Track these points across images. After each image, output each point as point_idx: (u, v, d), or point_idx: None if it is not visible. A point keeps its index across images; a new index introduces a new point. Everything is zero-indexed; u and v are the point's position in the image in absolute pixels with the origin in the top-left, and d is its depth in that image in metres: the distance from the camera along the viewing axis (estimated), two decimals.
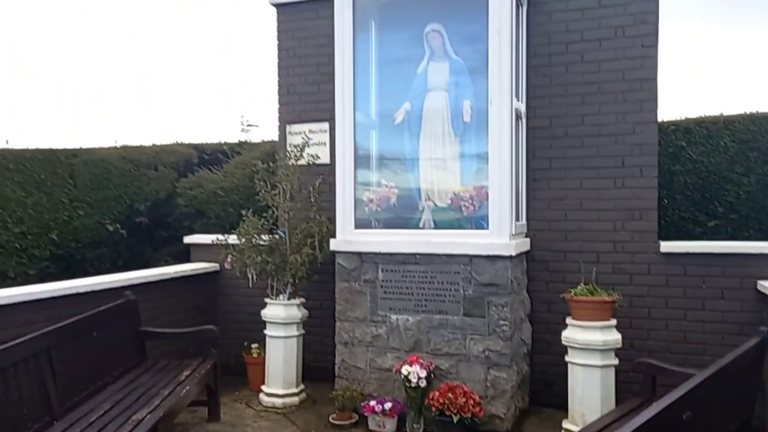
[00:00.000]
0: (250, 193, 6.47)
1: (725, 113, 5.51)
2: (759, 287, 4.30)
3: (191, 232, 6.75)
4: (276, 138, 7.25)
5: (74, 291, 4.51)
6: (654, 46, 4.59)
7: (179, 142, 7.73)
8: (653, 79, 4.60)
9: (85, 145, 7.39)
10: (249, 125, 8.64)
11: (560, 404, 4.49)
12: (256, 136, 8.04)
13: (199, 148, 7.63)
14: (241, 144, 7.68)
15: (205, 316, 5.80)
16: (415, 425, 4.30)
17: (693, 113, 5.68)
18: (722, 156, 5.30)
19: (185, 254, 6.56)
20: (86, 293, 4.59)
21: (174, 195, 7.05)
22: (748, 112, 5.42)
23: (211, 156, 7.55)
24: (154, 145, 7.56)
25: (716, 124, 5.37)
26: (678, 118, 5.68)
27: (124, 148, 7.39)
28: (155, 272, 5.59)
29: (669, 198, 5.48)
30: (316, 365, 5.41)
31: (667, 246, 4.60)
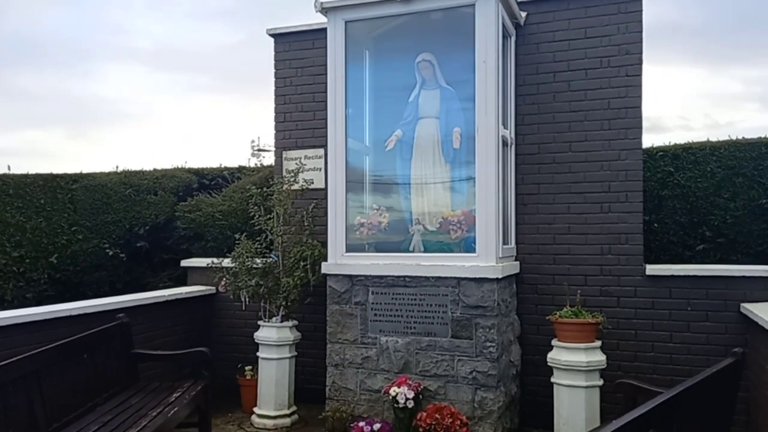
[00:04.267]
0: (248, 217, 6.56)
1: (711, 139, 5.62)
2: (742, 309, 4.36)
3: (189, 255, 6.84)
4: (270, 163, 7.46)
5: (67, 314, 4.56)
6: (638, 75, 4.73)
7: (179, 167, 7.86)
8: (638, 107, 4.74)
9: (86, 170, 7.54)
10: (259, 150, 8.73)
11: (549, 425, 4.51)
12: (267, 161, 8.15)
13: (199, 173, 7.76)
14: (241, 169, 7.82)
15: (200, 339, 5.85)
16: None
17: (680, 139, 5.80)
18: (709, 181, 5.39)
19: (183, 277, 6.65)
20: (79, 316, 4.64)
21: (173, 219, 7.16)
22: (733, 139, 5.53)
23: (211, 181, 7.67)
24: (154, 170, 7.68)
25: (703, 150, 5.48)
26: (666, 144, 5.80)
27: (125, 173, 7.52)
28: (150, 295, 5.67)
29: (659, 222, 5.56)
30: (310, 387, 5.45)
31: (652, 269, 4.68)
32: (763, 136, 5.43)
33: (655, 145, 5.79)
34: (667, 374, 4.53)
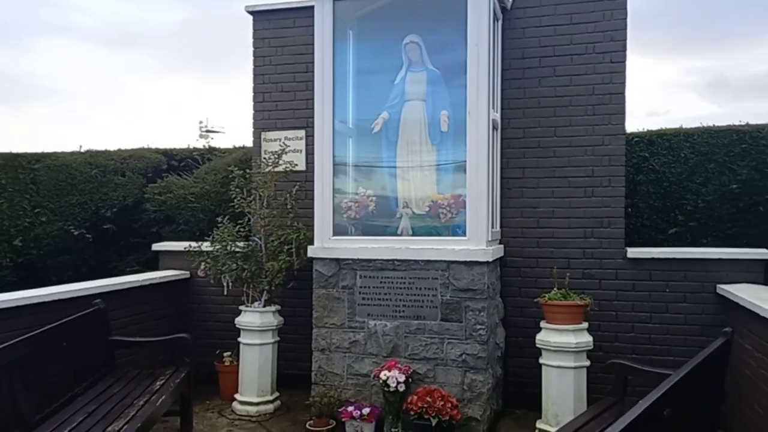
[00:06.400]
0: (222, 199, 6.41)
1: (684, 126, 5.79)
2: (719, 290, 4.54)
3: (159, 238, 6.63)
4: (246, 144, 7.29)
5: (40, 300, 4.36)
6: (622, 62, 4.81)
7: (147, 147, 7.59)
8: (621, 93, 4.82)
9: (48, 150, 7.19)
10: (208, 131, 8.50)
11: (532, 405, 4.63)
12: (221, 142, 8.08)
13: (168, 154, 7.50)
14: (211, 150, 7.60)
15: (174, 325, 5.70)
16: (393, 429, 4.34)
17: (654, 126, 5.96)
18: (683, 167, 5.55)
19: (153, 261, 6.44)
20: (53, 302, 4.45)
21: (142, 201, 6.92)
22: (705, 126, 5.71)
23: (180, 162, 7.43)
24: (120, 150, 7.40)
25: (677, 136, 5.63)
26: (641, 130, 5.94)
27: (90, 153, 7.21)
28: (124, 280, 5.47)
29: (633, 207, 5.70)
30: (290, 372, 5.39)
31: (633, 252, 4.81)
32: (733, 123, 5.63)
33: (630, 131, 5.92)
34: (646, 354, 4.69)
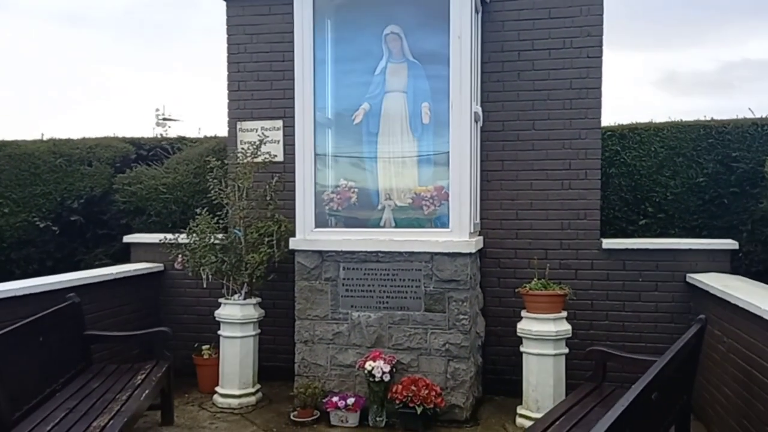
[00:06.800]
0: (195, 190, 6.29)
1: (654, 121, 5.98)
2: (688, 279, 4.74)
3: (128, 230, 6.47)
4: (217, 133, 7.18)
5: (12, 294, 4.25)
6: (599, 56, 4.92)
7: (114, 135, 7.36)
8: (598, 88, 4.94)
9: (7, 138, 6.89)
10: (165, 119, 8.21)
11: (511, 392, 4.77)
12: (186, 131, 7.91)
13: (136, 143, 7.28)
14: (181, 139, 7.43)
15: (148, 318, 5.61)
16: (378, 418, 4.39)
17: (625, 120, 6.13)
18: (652, 160, 5.73)
19: (122, 253, 6.29)
20: (25, 296, 4.32)
21: (110, 192, 6.72)
22: (674, 120, 5.91)
23: (149, 152, 7.23)
24: (85, 139, 7.14)
25: (647, 130, 5.80)
26: (613, 124, 6.10)
27: (53, 141, 6.94)
28: (97, 273, 5.35)
29: (605, 199, 5.86)
30: (269, 365, 5.37)
31: (608, 243, 4.96)
32: (700, 118, 5.84)
33: (603, 126, 6.06)
34: (619, 341, 4.85)
